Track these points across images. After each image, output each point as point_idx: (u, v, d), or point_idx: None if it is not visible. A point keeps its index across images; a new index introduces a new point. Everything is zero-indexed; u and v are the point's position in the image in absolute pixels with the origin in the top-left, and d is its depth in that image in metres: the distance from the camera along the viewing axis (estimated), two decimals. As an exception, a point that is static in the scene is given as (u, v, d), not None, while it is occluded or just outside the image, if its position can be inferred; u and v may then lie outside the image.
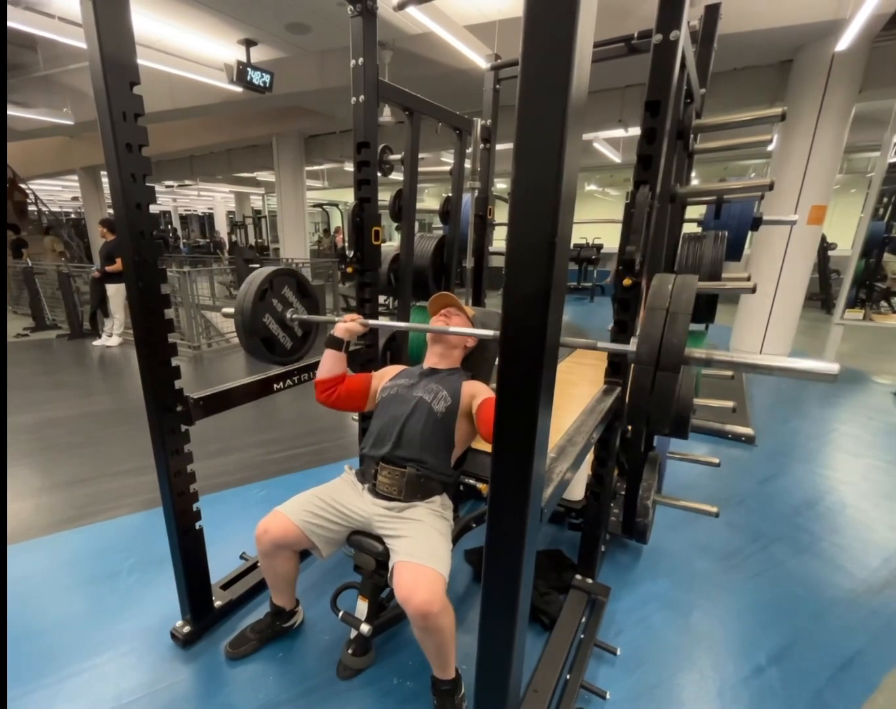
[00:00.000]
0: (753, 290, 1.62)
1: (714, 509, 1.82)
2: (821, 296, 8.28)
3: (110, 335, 5.72)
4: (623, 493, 1.89)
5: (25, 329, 6.48)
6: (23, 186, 11.02)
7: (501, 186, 11.31)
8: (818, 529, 2.26)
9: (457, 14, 4.55)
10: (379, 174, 1.77)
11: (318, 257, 11.09)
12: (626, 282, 1.40)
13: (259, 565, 1.77)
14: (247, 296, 1.51)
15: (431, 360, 1.65)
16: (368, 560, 1.37)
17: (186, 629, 1.58)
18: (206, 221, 23.90)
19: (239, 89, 5.33)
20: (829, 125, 4.48)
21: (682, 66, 1.35)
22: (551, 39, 0.58)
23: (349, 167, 10.33)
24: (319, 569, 1.92)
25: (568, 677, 1.41)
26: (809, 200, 4.65)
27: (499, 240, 2.79)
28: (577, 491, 1.82)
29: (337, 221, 13.14)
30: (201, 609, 1.63)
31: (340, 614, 1.43)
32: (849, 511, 2.42)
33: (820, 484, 2.67)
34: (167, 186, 16.02)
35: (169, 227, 21.45)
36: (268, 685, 1.45)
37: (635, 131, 6.73)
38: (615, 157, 9.71)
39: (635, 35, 1.72)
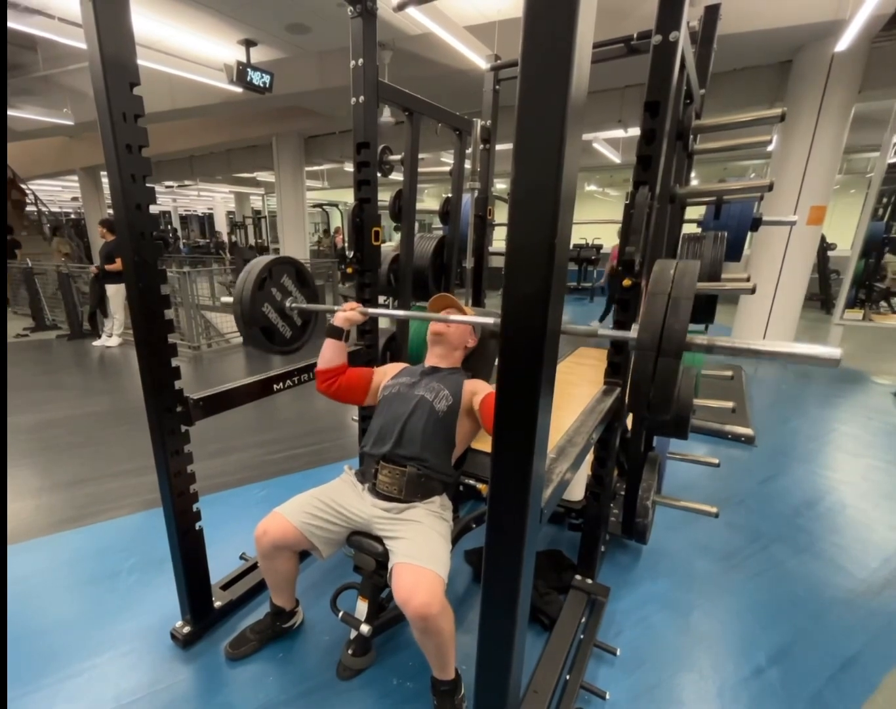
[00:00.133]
0: (753, 290, 1.62)
1: (714, 510, 1.82)
2: (820, 296, 8.28)
3: (110, 335, 5.72)
4: (623, 493, 1.89)
5: (25, 329, 6.48)
6: (23, 186, 11.03)
7: (501, 186, 11.31)
8: (818, 529, 2.26)
9: (456, 15, 4.55)
10: (379, 175, 1.77)
11: (317, 258, 11.10)
12: (626, 282, 1.40)
13: (258, 566, 1.77)
14: (245, 285, 1.51)
15: (432, 360, 1.65)
16: (368, 561, 1.37)
17: (186, 630, 1.58)
18: (206, 221, 23.90)
19: (239, 90, 5.34)
20: (829, 126, 4.48)
21: (682, 66, 1.35)
22: (551, 40, 0.58)
23: (349, 168, 10.34)
24: (319, 569, 1.92)
25: (568, 677, 1.41)
26: (809, 200, 4.65)
27: (499, 240, 2.79)
28: (576, 491, 1.82)
29: (337, 221, 13.15)
30: (201, 610, 1.63)
31: (340, 614, 1.42)
32: (849, 511, 2.42)
33: (820, 484, 2.67)
34: (167, 187, 16.03)
35: (169, 227, 21.45)
36: (268, 686, 1.45)
37: (635, 132, 6.73)
38: (615, 158, 9.71)
39: (635, 36, 1.72)
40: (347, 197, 15.25)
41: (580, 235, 10.16)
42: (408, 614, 1.17)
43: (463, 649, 1.39)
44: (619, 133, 7.68)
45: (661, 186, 1.40)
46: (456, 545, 1.54)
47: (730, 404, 2.00)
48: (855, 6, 3.53)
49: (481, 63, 4.41)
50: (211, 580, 1.66)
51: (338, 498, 1.44)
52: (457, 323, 1.61)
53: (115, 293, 5.45)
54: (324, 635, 1.62)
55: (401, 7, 1.89)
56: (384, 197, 1.80)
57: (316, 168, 12.33)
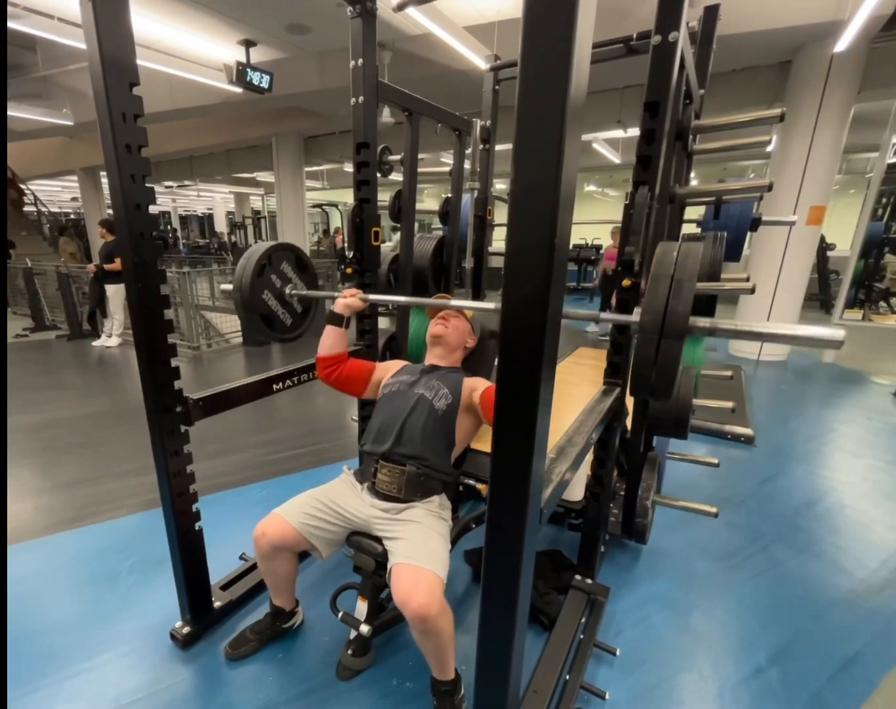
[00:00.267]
0: (752, 290, 1.62)
1: (713, 510, 1.82)
2: (820, 296, 8.29)
3: (110, 335, 5.72)
4: (622, 493, 1.89)
5: (25, 329, 6.48)
6: (22, 186, 11.03)
7: (501, 186, 11.31)
8: (818, 529, 2.26)
9: (456, 15, 4.55)
10: (378, 175, 1.77)
11: (317, 258, 11.09)
12: (626, 282, 1.40)
13: (258, 567, 1.77)
14: (245, 271, 1.50)
15: (432, 360, 1.65)
16: (368, 561, 1.37)
17: (186, 630, 1.58)
18: (206, 221, 23.89)
19: (238, 90, 5.34)
20: (828, 126, 4.49)
21: (681, 67, 1.36)
22: (550, 40, 0.58)
23: (349, 168, 10.35)
24: (319, 569, 1.92)
25: (567, 677, 1.41)
26: (808, 200, 4.65)
27: (498, 240, 2.79)
28: (576, 492, 1.82)
29: (336, 221, 13.15)
30: (201, 610, 1.63)
31: (340, 614, 1.42)
32: (848, 511, 2.42)
33: (819, 484, 2.67)
34: (167, 187, 16.03)
35: (168, 227, 21.44)
36: (267, 686, 1.45)
37: (634, 132, 6.74)
38: (614, 158, 9.72)
39: (634, 36, 1.72)
40: (347, 197, 15.26)
41: (580, 235, 10.17)
42: (407, 615, 1.17)
43: (463, 649, 1.39)
44: (618, 133, 7.69)
45: (661, 186, 1.41)
46: (456, 545, 1.54)
47: (729, 404, 2.00)
48: (854, 7, 3.54)
49: (481, 63, 4.41)
50: (211, 580, 1.66)
51: (336, 498, 1.44)
52: (458, 309, 1.61)
53: (115, 293, 5.45)
54: (323, 636, 1.62)
55: (400, 7, 1.89)
56: (384, 197, 1.80)
57: (315, 168, 12.33)
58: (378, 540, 1.37)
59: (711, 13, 1.78)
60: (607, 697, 1.39)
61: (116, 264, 5.10)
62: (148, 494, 2.45)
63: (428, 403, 1.46)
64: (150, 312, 1.29)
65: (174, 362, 1.38)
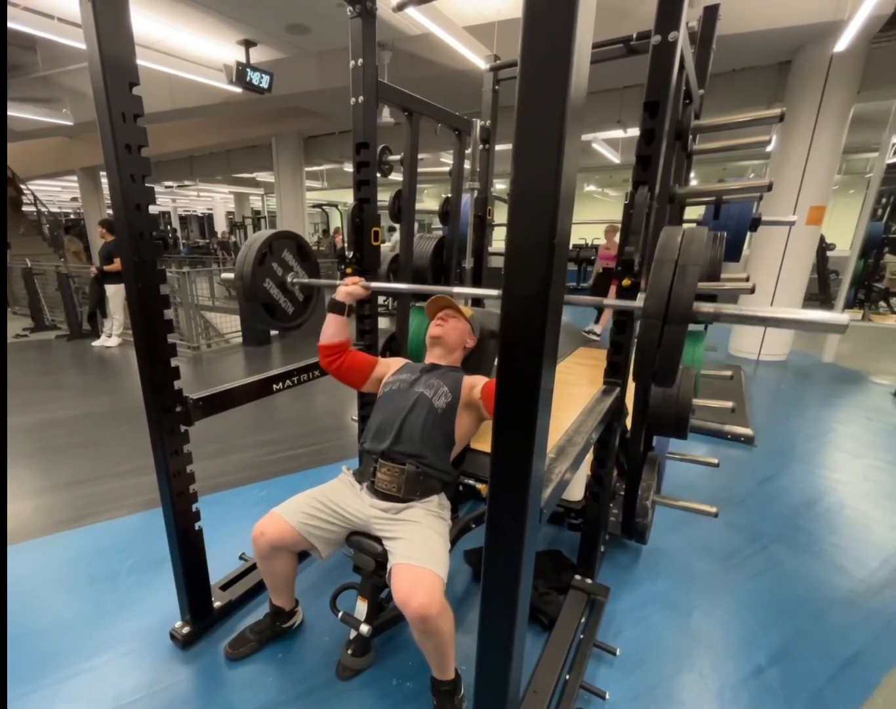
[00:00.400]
0: (752, 290, 1.62)
1: (713, 510, 1.82)
2: (820, 296, 8.28)
3: (109, 336, 5.72)
4: (622, 493, 1.89)
5: (25, 330, 6.48)
6: (21, 186, 11.03)
7: (501, 186, 11.32)
8: (818, 529, 2.26)
9: (456, 15, 4.55)
10: (378, 175, 1.77)
11: (317, 258, 11.07)
12: (626, 282, 1.40)
13: (257, 566, 1.77)
14: (246, 259, 1.50)
15: (432, 359, 1.65)
16: (368, 560, 1.37)
17: (186, 630, 1.58)
18: (206, 221, 23.89)
19: (238, 90, 5.34)
20: (828, 126, 4.49)
21: (681, 67, 1.36)
22: (550, 40, 0.58)
23: (348, 168, 10.34)
24: (319, 569, 1.92)
25: (567, 677, 1.41)
26: (808, 200, 4.65)
27: (498, 240, 2.79)
28: (576, 491, 1.82)
29: (336, 221, 13.15)
30: (201, 610, 1.63)
31: (340, 614, 1.42)
32: (848, 511, 2.42)
33: (819, 484, 2.67)
34: (166, 187, 16.03)
35: (168, 227, 21.44)
36: (267, 686, 1.45)
37: (634, 132, 6.74)
38: (614, 158, 9.72)
39: (634, 36, 1.72)
40: (347, 197, 15.25)
41: (580, 235, 10.18)
42: (407, 615, 1.17)
43: (463, 649, 1.39)
44: (618, 133, 7.69)
45: (661, 186, 1.41)
46: (455, 545, 1.54)
47: (729, 404, 2.00)
48: (854, 7, 3.54)
49: (481, 63, 4.41)
50: (210, 580, 1.66)
51: (336, 498, 1.44)
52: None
53: (115, 293, 5.45)
54: (323, 636, 1.62)
55: (400, 7, 1.89)
56: (384, 197, 1.80)
57: (315, 168, 12.34)
58: (378, 540, 1.37)
59: (711, 13, 1.78)
60: (607, 697, 1.39)
61: (116, 264, 5.10)
62: (148, 494, 2.45)
63: (428, 402, 1.46)
64: (150, 312, 1.29)
65: (174, 362, 1.38)
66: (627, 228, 1.33)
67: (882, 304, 5.15)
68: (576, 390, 2.36)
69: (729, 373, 2.52)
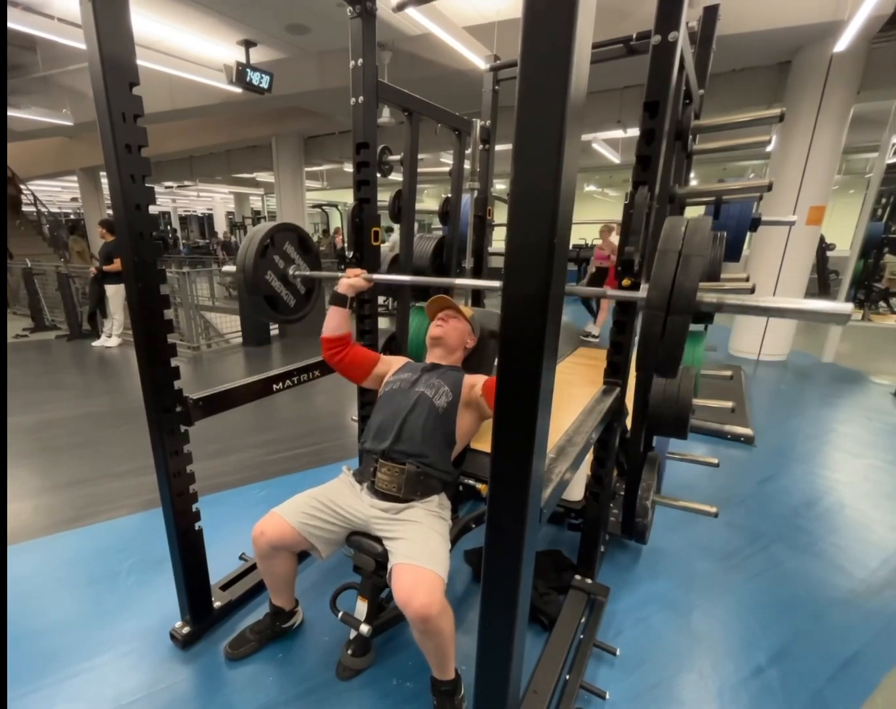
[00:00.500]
0: (752, 290, 1.62)
1: (713, 510, 1.82)
2: (820, 297, 8.29)
3: (109, 336, 5.72)
4: (622, 493, 1.89)
5: (25, 330, 6.47)
6: (21, 186, 11.03)
7: (501, 186, 11.32)
8: (818, 529, 2.26)
9: (456, 15, 4.56)
10: (378, 175, 1.77)
11: (317, 258, 11.05)
12: (626, 282, 1.40)
13: (257, 566, 1.77)
14: (248, 252, 1.50)
15: (433, 359, 1.65)
16: (368, 561, 1.37)
17: (186, 630, 1.58)
18: (206, 221, 23.88)
19: (238, 90, 5.34)
20: (828, 126, 4.49)
21: (681, 67, 1.36)
22: (550, 40, 0.58)
23: (348, 168, 10.34)
24: (319, 569, 1.92)
25: (567, 677, 1.41)
26: (808, 200, 4.65)
27: (498, 240, 2.79)
28: (576, 491, 1.82)
29: (336, 221, 13.14)
30: (201, 610, 1.63)
31: (340, 614, 1.42)
32: (848, 511, 2.42)
33: (819, 484, 2.67)
34: (166, 187, 16.02)
35: (168, 227, 21.43)
36: (267, 686, 1.45)
37: (634, 132, 6.74)
38: (614, 158, 9.72)
39: (634, 36, 1.72)
40: (347, 197, 15.25)
41: (580, 235, 10.17)
42: (408, 616, 1.17)
43: (463, 649, 1.39)
44: (618, 133, 7.69)
45: (661, 186, 1.41)
46: (455, 545, 1.54)
47: (729, 404, 2.00)
48: (853, 7, 3.54)
49: (480, 63, 4.41)
50: (210, 581, 1.66)
51: (336, 498, 1.44)
52: (462, 287, 1.60)
53: (115, 294, 5.45)
54: (323, 636, 1.62)
55: (400, 7, 1.89)
56: (384, 197, 1.80)
57: (315, 168, 12.34)
58: (378, 540, 1.37)
59: (711, 13, 1.78)
60: (607, 697, 1.39)
61: (116, 265, 5.10)
62: (148, 494, 2.45)
63: (428, 401, 1.46)
64: (150, 312, 1.29)
65: (174, 362, 1.38)
66: (627, 228, 1.33)
67: (882, 304, 5.15)
68: (576, 390, 2.36)
69: (729, 373, 2.52)
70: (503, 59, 2.20)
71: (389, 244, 7.50)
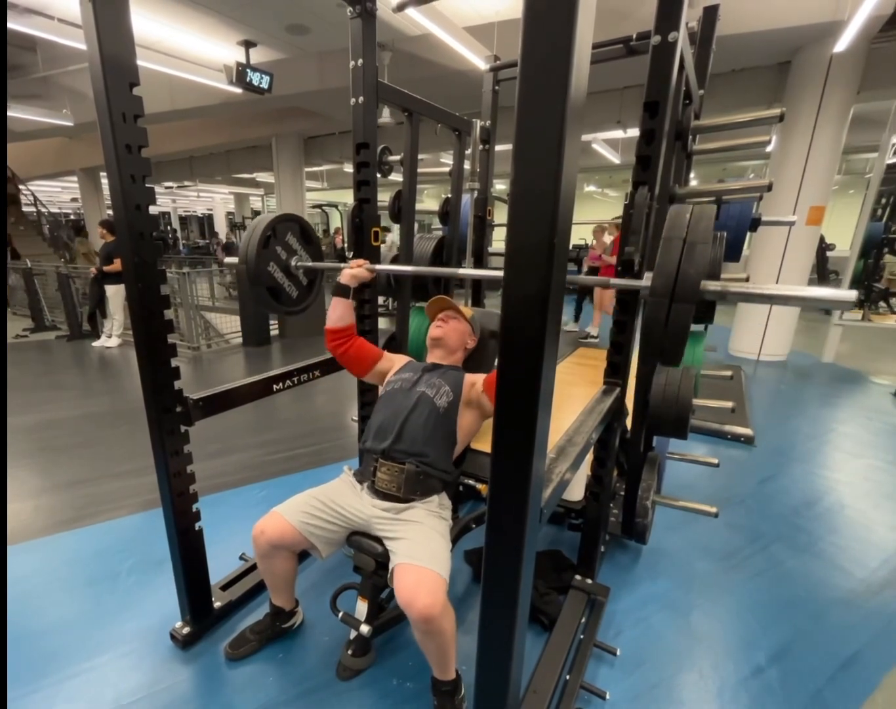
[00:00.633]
0: (752, 290, 1.62)
1: (713, 510, 1.82)
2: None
3: (109, 336, 5.72)
4: (622, 493, 1.89)
5: (25, 330, 6.47)
6: (21, 186, 11.03)
7: (501, 187, 11.32)
8: (818, 529, 2.26)
9: (456, 15, 4.56)
10: (378, 175, 1.77)
11: (317, 258, 11.04)
12: (626, 282, 1.39)
13: (257, 566, 1.77)
14: (250, 243, 1.49)
15: (433, 359, 1.65)
16: (368, 561, 1.37)
17: (186, 630, 1.58)
18: (206, 222, 23.89)
19: (238, 90, 5.34)
20: (828, 126, 4.49)
21: (681, 67, 1.36)
22: (550, 41, 0.58)
23: (348, 168, 10.35)
24: (319, 569, 1.92)
25: (567, 677, 1.41)
26: (808, 200, 4.66)
27: (498, 240, 2.79)
28: (576, 492, 1.82)
29: (336, 221, 13.15)
30: (201, 610, 1.63)
31: (340, 614, 1.42)
32: (848, 511, 2.42)
33: (819, 484, 2.67)
34: (167, 187, 16.03)
35: (168, 228, 21.43)
36: (267, 686, 1.45)
37: (634, 132, 6.74)
38: (614, 158, 9.73)
39: (634, 36, 1.72)
40: (347, 197, 15.27)
41: (580, 235, 10.17)
42: (410, 617, 1.17)
43: (463, 649, 1.39)
44: (618, 134, 7.70)
45: (661, 187, 1.41)
46: (456, 545, 1.54)
47: (729, 404, 2.00)
48: (853, 7, 3.54)
49: (480, 64, 4.41)
50: (211, 581, 1.66)
51: (336, 498, 1.44)
52: (467, 275, 1.59)
53: (115, 294, 5.45)
54: (323, 636, 1.62)
55: (400, 8, 1.89)
56: (384, 197, 1.80)
57: (315, 169, 12.34)
58: (378, 540, 1.37)
59: (711, 14, 1.78)
60: (607, 697, 1.39)
61: (116, 265, 5.10)
62: (148, 494, 2.45)
63: (430, 401, 1.46)
64: (150, 312, 1.29)
65: (174, 362, 1.38)
66: (627, 228, 1.33)
67: (882, 304, 5.14)
68: (576, 390, 2.36)
69: (729, 373, 2.52)
70: (503, 60, 2.20)
71: (387, 245, 7.51)
